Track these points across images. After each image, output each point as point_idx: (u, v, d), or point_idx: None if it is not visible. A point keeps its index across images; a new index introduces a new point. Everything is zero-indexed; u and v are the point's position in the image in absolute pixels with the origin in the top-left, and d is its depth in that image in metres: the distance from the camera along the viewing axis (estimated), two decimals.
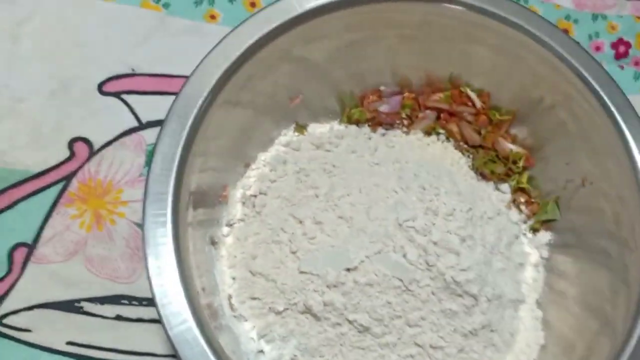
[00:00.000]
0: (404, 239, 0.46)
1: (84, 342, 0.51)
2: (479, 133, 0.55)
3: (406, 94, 0.56)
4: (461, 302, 0.46)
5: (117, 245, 0.53)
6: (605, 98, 0.47)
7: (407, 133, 0.56)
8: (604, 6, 0.65)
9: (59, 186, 0.54)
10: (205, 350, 0.39)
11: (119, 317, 0.52)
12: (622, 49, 0.64)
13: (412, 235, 0.46)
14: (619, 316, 0.45)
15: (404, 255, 0.46)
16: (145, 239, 0.41)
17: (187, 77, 0.44)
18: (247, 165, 0.53)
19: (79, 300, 0.52)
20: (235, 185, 0.52)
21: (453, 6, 0.49)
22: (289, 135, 0.54)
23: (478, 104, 0.55)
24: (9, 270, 0.52)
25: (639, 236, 0.46)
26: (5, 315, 0.51)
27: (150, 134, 0.55)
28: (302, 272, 0.47)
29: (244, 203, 0.51)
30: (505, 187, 0.55)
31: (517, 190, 0.55)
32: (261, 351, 0.48)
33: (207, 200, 0.48)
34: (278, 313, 0.47)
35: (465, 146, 0.56)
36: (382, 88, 0.56)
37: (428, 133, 0.56)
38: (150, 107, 0.55)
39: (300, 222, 0.48)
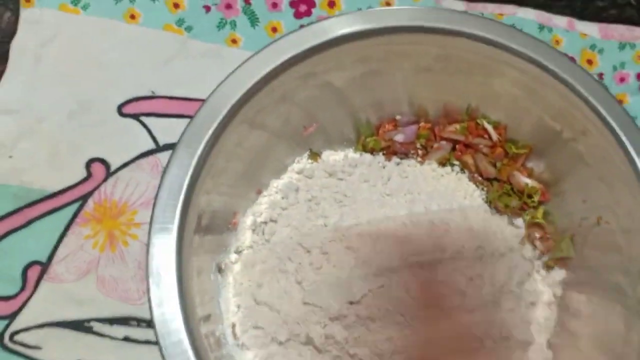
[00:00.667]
0: (408, 275, 0.46)
1: None
2: (494, 166, 0.55)
3: (422, 124, 0.56)
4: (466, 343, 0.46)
5: (129, 266, 0.54)
6: (622, 135, 0.47)
7: (421, 163, 0.56)
8: (632, 37, 0.64)
9: (75, 206, 0.55)
10: None
11: (127, 339, 0.53)
12: None
13: (417, 272, 0.46)
14: (632, 352, 0.45)
15: (407, 292, 0.46)
16: (148, 268, 0.42)
17: (203, 101, 0.44)
18: (259, 192, 0.53)
19: (89, 320, 0.53)
20: (246, 212, 0.52)
21: (470, 40, 0.49)
22: (302, 162, 0.55)
23: (494, 136, 0.55)
24: (22, 287, 0.53)
25: None
26: (17, 332, 0.53)
27: (166, 157, 0.54)
28: (305, 304, 0.47)
29: (253, 230, 0.52)
30: (519, 221, 0.55)
31: (532, 225, 0.55)
32: None
33: (216, 227, 0.49)
34: (280, 343, 0.48)
35: (480, 179, 0.56)
36: (398, 117, 0.56)
37: (442, 164, 0.56)
38: (168, 130, 0.56)
39: (308, 251, 0.49)
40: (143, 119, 0.57)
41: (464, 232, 0.49)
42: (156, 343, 0.50)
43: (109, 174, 0.56)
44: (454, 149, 0.57)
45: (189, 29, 0.60)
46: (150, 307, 0.41)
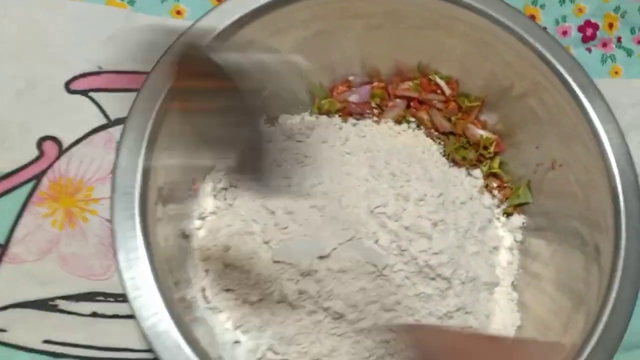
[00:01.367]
0: (376, 226, 0.48)
1: (61, 340, 0.52)
2: (449, 120, 0.57)
3: (375, 84, 0.58)
4: (435, 286, 0.48)
5: (91, 242, 0.54)
6: (571, 82, 0.50)
7: (377, 122, 0.57)
8: None
9: (29, 186, 0.55)
10: (179, 342, 0.41)
11: (94, 314, 0.53)
12: (589, 31, 0.66)
13: (384, 221, 0.48)
14: (592, 294, 0.48)
15: (377, 242, 0.47)
16: (114, 233, 0.42)
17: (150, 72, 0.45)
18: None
19: (53, 299, 0.53)
20: (205, 178, 0.52)
21: None
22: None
23: (447, 91, 0.56)
24: None
25: (610, 217, 0.48)
26: None
27: (119, 131, 0.55)
28: (275, 262, 0.48)
29: (215, 196, 0.52)
30: (477, 172, 0.57)
31: (489, 175, 0.57)
32: (237, 342, 0.49)
33: (177, 194, 0.50)
34: (253, 304, 0.49)
35: (436, 133, 0.58)
36: (351, 78, 0.57)
37: (399, 122, 0.57)
38: (119, 104, 0.55)
39: (272, 212, 0.49)
40: (92, 94, 0.57)
41: (426, 182, 0.50)
42: (125, 317, 0.51)
43: (61, 151, 0.56)
44: (408, 106, 0.58)
45: (131, 2, 0.60)
46: (119, 271, 0.42)
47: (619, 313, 0.46)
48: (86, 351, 0.52)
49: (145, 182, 0.44)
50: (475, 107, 0.57)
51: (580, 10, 0.67)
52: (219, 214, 0.52)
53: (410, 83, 0.58)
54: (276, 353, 0.49)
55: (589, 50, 0.66)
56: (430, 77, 0.57)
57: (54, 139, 0.56)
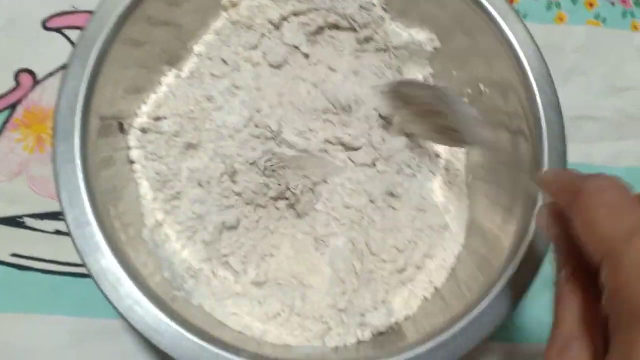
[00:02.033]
0: None
1: (27, 254, 0.58)
2: None
3: None
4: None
5: None
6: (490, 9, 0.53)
7: None
8: None
9: (5, 114, 0.60)
10: (119, 276, 0.45)
11: (58, 232, 0.58)
12: None
13: None
14: (518, 205, 0.51)
15: None
16: (57, 176, 0.46)
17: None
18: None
19: (21, 216, 0.58)
20: (137, 114, 0.56)
21: None
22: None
23: None
24: None
25: (533, 138, 0.51)
26: None
27: None
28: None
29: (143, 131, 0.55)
30: None
31: None
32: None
33: (114, 131, 0.53)
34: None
35: None
36: None
37: None
38: None
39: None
40: (66, 31, 0.62)
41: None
42: None
43: (36, 82, 0.61)
44: None
45: None
46: (62, 209, 0.46)
47: (542, 235, 0.48)
48: (49, 265, 0.58)
49: (85, 125, 0.47)
50: None
51: None
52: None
53: None
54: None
55: None
56: None
57: (29, 71, 0.61)
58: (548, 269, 0.47)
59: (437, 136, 0.56)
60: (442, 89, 0.54)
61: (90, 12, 0.60)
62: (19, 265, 0.57)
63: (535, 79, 0.51)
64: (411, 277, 0.56)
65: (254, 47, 0.57)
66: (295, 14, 0.57)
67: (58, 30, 0.62)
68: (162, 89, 0.56)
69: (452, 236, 0.57)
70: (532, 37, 0.52)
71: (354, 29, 0.59)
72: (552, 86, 0.51)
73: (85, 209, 0.45)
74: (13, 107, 0.60)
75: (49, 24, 0.62)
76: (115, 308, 0.44)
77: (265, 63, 0.58)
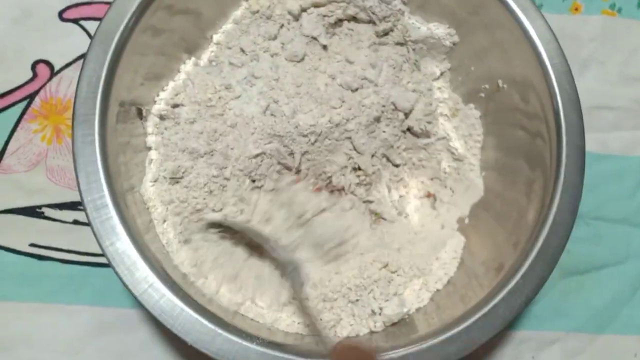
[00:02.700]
0: None
1: (45, 244, 0.59)
2: None
3: None
4: None
5: None
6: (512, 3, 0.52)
7: None
8: None
9: (23, 104, 0.61)
10: (135, 260, 0.45)
11: (76, 222, 0.59)
12: None
13: None
14: (533, 208, 0.51)
15: None
16: (75, 158, 0.47)
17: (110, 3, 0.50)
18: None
19: (40, 207, 0.59)
20: (155, 100, 0.56)
21: None
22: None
23: None
24: None
25: (553, 134, 0.51)
26: None
27: None
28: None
29: (161, 118, 0.56)
30: None
31: None
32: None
33: (133, 117, 0.53)
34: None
35: None
36: None
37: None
38: None
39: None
40: (82, 22, 0.63)
41: None
42: None
43: (53, 73, 0.62)
44: None
45: None
46: (80, 192, 0.46)
47: (558, 229, 0.49)
48: (67, 255, 0.59)
49: (104, 110, 0.48)
50: None
51: None
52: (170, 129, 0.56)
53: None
54: None
55: None
56: None
57: (46, 62, 0.62)
58: (563, 258, 0.47)
59: None
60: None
61: (106, 3, 0.61)
62: (38, 255, 0.58)
63: (556, 77, 0.51)
64: (424, 270, 0.56)
65: (273, 38, 0.58)
66: (315, 5, 0.58)
67: (74, 21, 0.63)
68: (181, 77, 0.57)
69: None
70: (553, 34, 0.52)
71: (373, 22, 0.59)
72: (572, 84, 0.51)
73: (103, 192, 0.46)
74: (31, 98, 0.61)
75: (66, 15, 0.63)
76: (130, 291, 0.45)
77: (283, 53, 0.58)
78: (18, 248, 0.58)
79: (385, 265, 0.54)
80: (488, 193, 0.58)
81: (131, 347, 0.57)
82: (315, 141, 0.55)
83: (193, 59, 0.57)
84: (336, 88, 0.57)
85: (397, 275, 0.55)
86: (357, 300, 0.53)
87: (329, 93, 0.56)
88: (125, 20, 0.49)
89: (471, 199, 0.59)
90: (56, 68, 0.62)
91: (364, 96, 0.56)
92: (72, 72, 0.62)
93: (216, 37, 0.58)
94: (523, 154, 0.54)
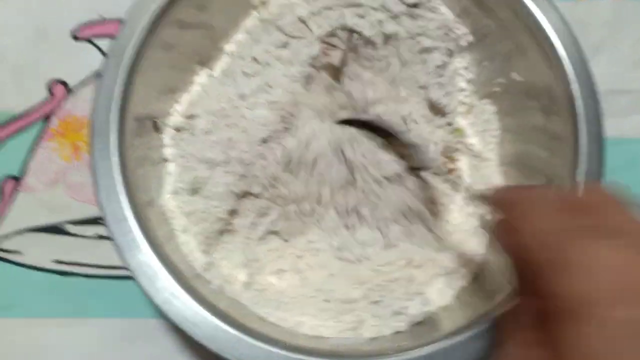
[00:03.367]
0: None
1: (69, 260, 0.60)
2: None
3: None
4: None
5: None
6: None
7: None
8: None
9: (40, 124, 0.63)
10: (156, 269, 0.46)
11: (98, 236, 0.60)
12: None
13: None
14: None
15: None
16: (94, 173, 0.48)
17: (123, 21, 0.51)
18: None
19: (62, 223, 0.61)
20: (171, 113, 0.57)
21: None
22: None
23: None
24: (0, 200, 0.59)
25: (569, 124, 0.51)
26: None
27: None
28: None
29: (177, 130, 0.57)
30: None
31: None
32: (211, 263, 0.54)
33: (149, 130, 0.55)
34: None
35: None
36: None
37: None
38: None
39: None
40: (95, 41, 0.64)
41: None
42: None
43: (68, 92, 0.63)
44: None
45: None
46: (99, 204, 0.48)
47: None
48: (91, 269, 0.60)
49: (121, 124, 0.49)
50: None
51: None
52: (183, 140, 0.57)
53: None
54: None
55: None
56: None
57: (62, 81, 0.63)
58: None
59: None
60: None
61: (118, 20, 0.62)
62: (62, 271, 0.60)
63: (573, 67, 0.51)
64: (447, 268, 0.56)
65: (285, 46, 0.58)
66: (326, 8, 0.58)
67: (88, 39, 0.64)
68: (195, 88, 0.58)
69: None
70: (567, 24, 0.52)
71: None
72: (589, 74, 0.51)
73: (122, 204, 0.47)
74: (48, 117, 0.62)
75: (79, 34, 0.64)
76: (152, 301, 0.46)
77: (296, 61, 0.58)
78: (43, 265, 0.59)
79: (409, 262, 0.54)
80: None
81: (157, 356, 0.58)
82: None
83: (206, 70, 0.58)
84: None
85: (421, 272, 0.55)
86: (378, 301, 0.54)
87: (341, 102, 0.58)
88: (138, 37, 0.51)
89: None
90: (71, 86, 0.63)
91: None
92: (87, 90, 0.63)
93: (228, 48, 0.59)
94: (541, 147, 0.54)
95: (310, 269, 0.57)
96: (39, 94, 0.63)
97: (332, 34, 0.59)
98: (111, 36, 0.64)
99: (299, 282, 0.56)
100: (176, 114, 0.57)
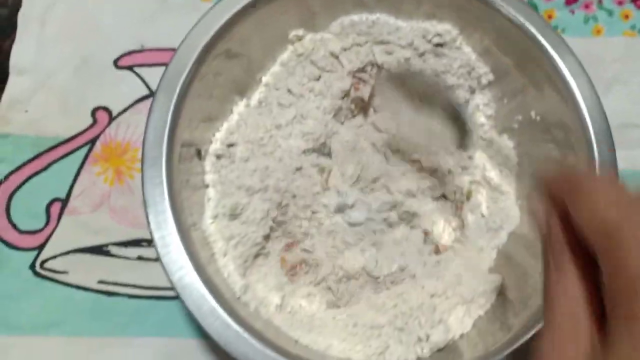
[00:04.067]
0: None
1: (113, 281, 0.64)
2: None
3: None
4: None
5: (136, 196, 0.65)
6: (543, 40, 0.56)
7: None
8: None
9: (85, 149, 0.67)
10: (202, 292, 0.49)
11: (140, 258, 0.64)
12: None
13: None
14: None
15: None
16: (145, 198, 0.51)
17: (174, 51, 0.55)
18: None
19: (106, 245, 0.64)
20: (212, 141, 0.61)
21: None
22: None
23: None
24: (47, 222, 0.65)
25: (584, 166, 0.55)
26: (46, 260, 0.64)
27: None
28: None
29: (218, 157, 0.61)
30: None
31: None
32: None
33: (192, 157, 0.58)
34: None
35: None
36: None
37: None
38: (159, 77, 0.64)
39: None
40: (136, 69, 0.69)
41: None
42: None
43: (111, 119, 0.68)
44: None
45: None
46: (150, 232, 0.50)
47: None
48: (134, 290, 0.64)
49: (170, 152, 0.53)
50: None
51: None
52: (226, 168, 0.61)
53: None
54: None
55: (572, 12, 0.72)
56: None
57: (105, 108, 0.68)
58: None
59: None
60: None
61: (156, 49, 0.65)
62: (106, 291, 0.63)
63: (588, 109, 0.55)
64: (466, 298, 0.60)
65: (317, 79, 0.62)
66: (356, 45, 0.62)
67: (129, 68, 0.68)
68: (234, 118, 0.62)
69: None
70: (582, 67, 0.56)
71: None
72: (603, 116, 0.55)
73: (171, 229, 0.51)
74: (92, 142, 0.67)
75: (120, 63, 0.69)
76: (197, 322, 0.49)
77: (328, 94, 0.62)
78: (87, 285, 0.63)
79: (433, 295, 0.58)
80: (524, 221, 0.61)
81: None
82: None
83: (245, 100, 0.62)
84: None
85: (442, 301, 0.58)
86: (403, 328, 0.56)
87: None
88: (187, 71, 0.55)
89: (508, 227, 0.62)
90: (114, 113, 0.67)
91: None
92: (129, 117, 0.67)
93: (265, 79, 0.63)
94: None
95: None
96: (84, 120, 0.67)
97: (362, 70, 0.63)
98: (150, 64, 0.68)
99: (327, 305, 0.60)
100: (217, 142, 0.60)
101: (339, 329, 0.57)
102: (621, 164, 0.60)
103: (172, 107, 0.53)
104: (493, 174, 0.64)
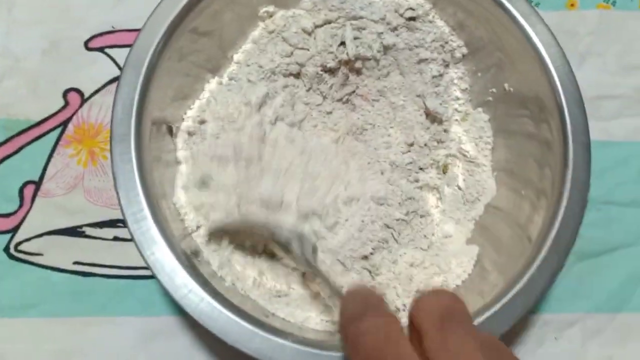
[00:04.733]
0: None
1: (88, 261, 0.64)
2: None
3: None
4: None
5: (110, 177, 0.65)
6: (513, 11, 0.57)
7: None
8: None
9: (58, 131, 0.67)
10: (174, 267, 0.50)
11: (116, 238, 0.65)
12: None
13: None
14: (542, 204, 0.56)
15: None
16: (115, 175, 0.52)
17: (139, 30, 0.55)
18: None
19: (81, 226, 0.65)
20: (184, 118, 0.62)
21: None
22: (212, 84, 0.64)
23: None
24: (20, 204, 0.65)
25: (558, 132, 0.55)
26: (20, 242, 0.64)
27: None
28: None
29: (189, 134, 0.61)
30: None
31: None
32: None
33: (163, 134, 0.59)
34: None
35: None
36: None
37: None
38: None
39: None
40: (108, 50, 0.69)
41: None
42: None
43: (83, 100, 0.68)
44: None
45: None
46: (121, 207, 0.51)
47: (569, 222, 0.53)
48: (110, 270, 0.64)
49: (139, 129, 0.53)
50: None
51: None
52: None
53: None
54: None
55: None
56: None
57: (77, 90, 0.68)
58: (577, 242, 0.52)
59: None
60: None
61: (128, 30, 0.65)
62: (82, 272, 0.64)
63: (559, 79, 0.56)
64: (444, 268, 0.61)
65: (289, 55, 0.62)
66: (328, 22, 0.62)
67: (100, 49, 0.68)
68: (205, 95, 0.63)
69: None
70: (554, 37, 0.57)
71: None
72: (575, 85, 0.56)
73: (142, 205, 0.51)
74: (64, 124, 0.67)
75: (91, 45, 0.69)
76: (171, 297, 0.49)
77: (300, 70, 0.63)
78: (62, 267, 0.63)
79: (411, 265, 0.58)
80: (500, 192, 0.63)
81: (177, 352, 0.62)
82: None
83: (216, 78, 0.63)
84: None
85: (420, 271, 0.59)
86: None
87: None
88: (154, 46, 0.55)
89: (484, 199, 0.63)
90: (86, 95, 0.68)
91: None
92: (101, 98, 0.68)
93: (236, 57, 0.63)
94: (531, 154, 0.59)
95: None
96: (55, 102, 0.67)
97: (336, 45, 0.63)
98: (122, 45, 0.68)
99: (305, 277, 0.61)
100: (188, 119, 0.61)
101: (318, 300, 0.58)
102: (597, 135, 0.61)
103: (140, 83, 0.53)
104: (469, 147, 0.65)
